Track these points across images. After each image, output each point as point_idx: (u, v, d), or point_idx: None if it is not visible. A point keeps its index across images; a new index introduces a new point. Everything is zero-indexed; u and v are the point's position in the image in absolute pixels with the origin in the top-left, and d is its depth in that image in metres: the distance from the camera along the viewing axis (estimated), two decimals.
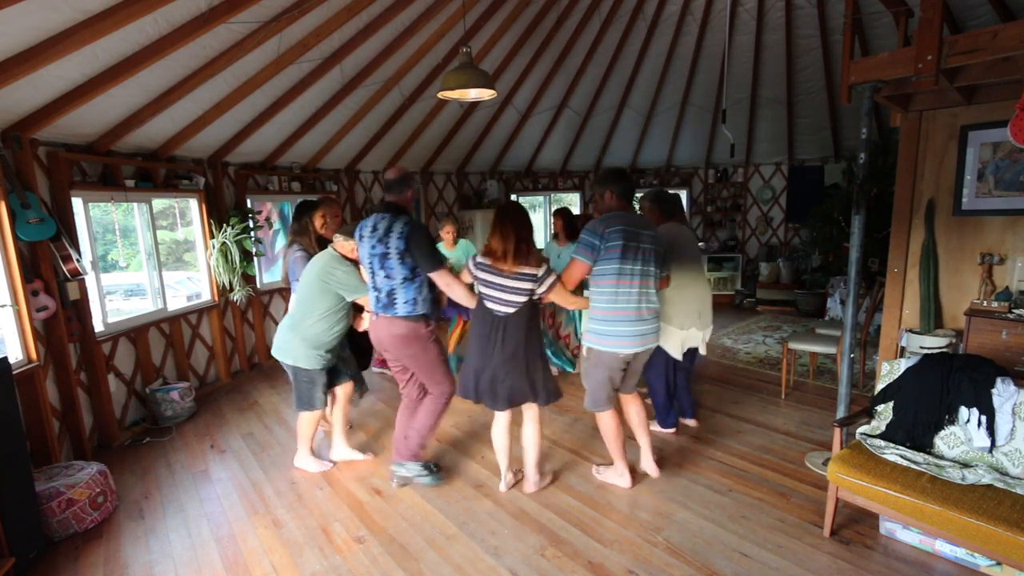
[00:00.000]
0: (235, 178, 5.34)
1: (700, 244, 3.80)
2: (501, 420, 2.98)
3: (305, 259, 3.41)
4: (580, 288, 2.96)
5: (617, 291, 2.69)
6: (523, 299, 2.66)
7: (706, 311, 3.44)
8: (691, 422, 3.84)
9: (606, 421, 2.99)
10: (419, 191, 2.93)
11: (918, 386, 2.65)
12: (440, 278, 2.82)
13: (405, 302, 2.86)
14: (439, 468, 3.29)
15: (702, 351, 3.56)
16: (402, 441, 3.14)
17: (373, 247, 2.85)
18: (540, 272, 2.64)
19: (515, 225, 2.63)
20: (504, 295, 2.66)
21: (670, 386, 3.62)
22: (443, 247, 4.82)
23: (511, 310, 2.68)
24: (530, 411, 2.94)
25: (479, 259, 2.72)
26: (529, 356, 2.76)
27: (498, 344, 2.71)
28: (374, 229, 2.85)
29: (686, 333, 3.37)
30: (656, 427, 3.73)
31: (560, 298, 2.80)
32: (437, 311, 3.05)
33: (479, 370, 2.80)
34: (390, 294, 2.86)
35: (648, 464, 3.16)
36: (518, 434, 3.02)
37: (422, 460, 3.17)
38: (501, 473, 3.12)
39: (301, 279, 3.23)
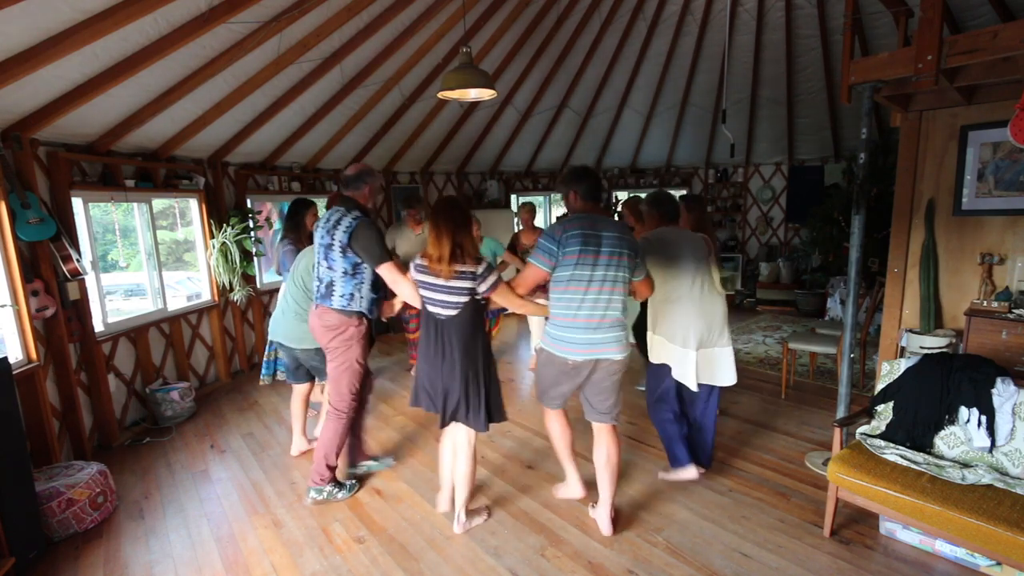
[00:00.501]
0: (235, 178, 5.34)
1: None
2: (450, 433, 2.76)
3: (293, 253, 3.70)
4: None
5: (574, 297, 2.48)
6: (464, 299, 2.50)
7: (714, 326, 2.94)
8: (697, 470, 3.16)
9: (550, 422, 2.84)
10: (382, 187, 3.00)
11: (918, 386, 2.65)
12: (387, 272, 2.76)
13: (341, 295, 2.89)
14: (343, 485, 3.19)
15: (726, 379, 2.99)
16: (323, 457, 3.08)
17: (322, 237, 2.90)
18: (479, 270, 2.48)
19: (450, 227, 2.45)
20: (443, 296, 2.51)
21: (675, 417, 3.03)
22: None
23: (453, 312, 2.51)
24: (464, 438, 2.67)
25: (418, 261, 2.57)
26: (476, 366, 2.56)
27: (444, 351, 2.55)
28: (327, 221, 2.90)
29: (693, 353, 2.89)
30: (669, 474, 3.16)
31: (507, 301, 2.62)
32: (377, 313, 3.01)
33: (431, 379, 2.63)
34: (329, 285, 2.91)
35: (602, 517, 2.72)
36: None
37: (331, 480, 3.10)
38: (442, 491, 2.93)
39: (293, 271, 3.41)
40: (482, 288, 2.50)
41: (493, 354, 2.70)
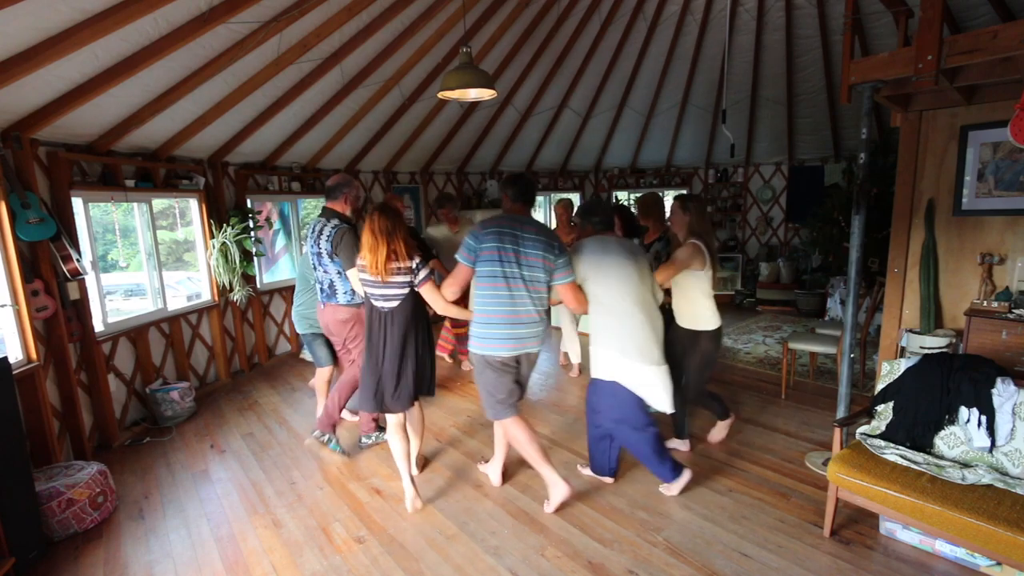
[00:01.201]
0: (235, 178, 5.34)
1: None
2: (394, 421, 2.91)
3: None
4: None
5: (494, 293, 2.62)
6: (404, 291, 2.75)
7: (648, 344, 2.76)
8: (587, 471, 3.18)
9: (512, 430, 2.81)
10: (360, 196, 3.49)
11: (918, 386, 2.65)
12: (352, 276, 3.09)
13: (344, 292, 3.35)
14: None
15: (660, 403, 2.79)
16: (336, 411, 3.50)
17: (312, 246, 3.34)
18: (413, 264, 2.72)
19: (384, 236, 2.66)
20: (385, 290, 2.75)
21: (646, 425, 2.86)
22: None
23: (395, 304, 2.77)
24: (410, 419, 2.88)
25: (359, 260, 2.80)
26: (418, 346, 2.83)
27: (388, 339, 2.79)
28: (312, 230, 3.34)
29: (655, 368, 2.76)
30: (674, 490, 2.98)
31: (432, 300, 2.80)
32: None
33: (376, 373, 2.81)
34: (331, 285, 3.36)
35: (494, 471, 3.14)
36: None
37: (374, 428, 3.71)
38: (404, 489, 2.94)
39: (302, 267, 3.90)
40: (417, 280, 2.75)
41: (432, 338, 2.98)
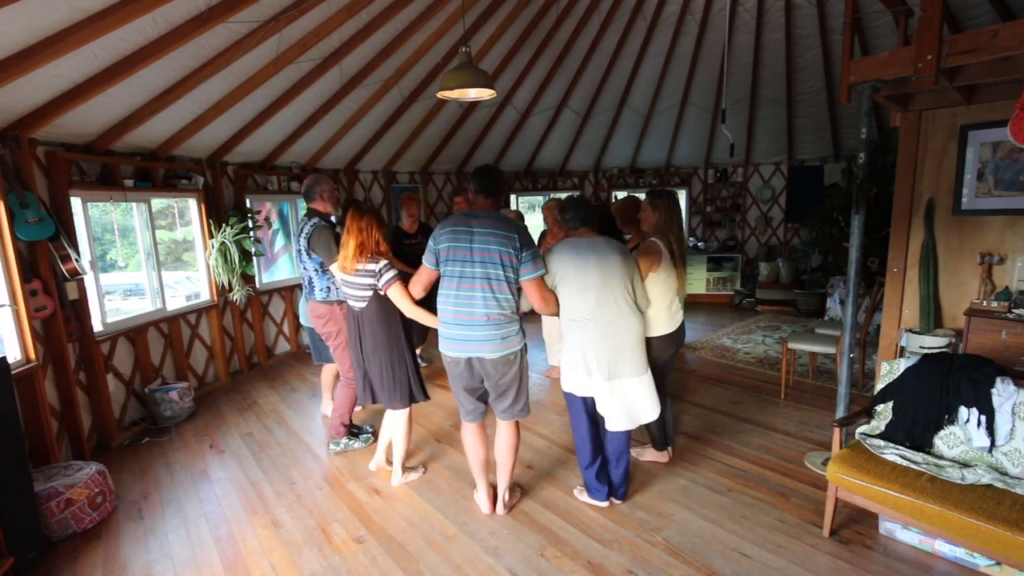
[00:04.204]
0: (234, 178, 5.34)
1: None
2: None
3: None
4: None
5: (448, 292, 2.57)
6: (368, 293, 2.89)
7: (623, 352, 2.63)
8: (608, 503, 2.91)
9: (463, 435, 2.84)
10: (336, 190, 3.62)
11: (918, 386, 2.65)
12: (334, 270, 3.11)
13: (320, 289, 3.50)
14: (361, 430, 3.81)
15: (645, 415, 2.72)
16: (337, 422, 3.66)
17: (296, 244, 3.55)
18: (377, 267, 2.82)
19: (357, 231, 2.83)
20: (354, 291, 2.93)
21: (592, 441, 2.80)
22: None
23: (363, 304, 2.93)
24: (395, 419, 2.96)
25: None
26: (390, 351, 2.96)
27: (362, 339, 2.99)
28: (299, 229, 3.49)
29: (604, 383, 2.64)
30: (584, 497, 2.94)
31: (400, 302, 2.83)
32: None
33: (361, 367, 3.06)
34: (310, 282, 3.52)
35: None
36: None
37: (346, 434, 3.66)
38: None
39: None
40: (380, 283, 2.84)
41: (411, 341, 3.09)
